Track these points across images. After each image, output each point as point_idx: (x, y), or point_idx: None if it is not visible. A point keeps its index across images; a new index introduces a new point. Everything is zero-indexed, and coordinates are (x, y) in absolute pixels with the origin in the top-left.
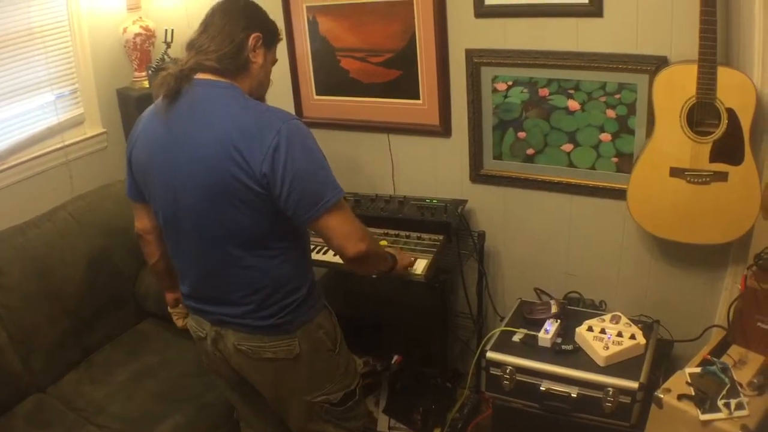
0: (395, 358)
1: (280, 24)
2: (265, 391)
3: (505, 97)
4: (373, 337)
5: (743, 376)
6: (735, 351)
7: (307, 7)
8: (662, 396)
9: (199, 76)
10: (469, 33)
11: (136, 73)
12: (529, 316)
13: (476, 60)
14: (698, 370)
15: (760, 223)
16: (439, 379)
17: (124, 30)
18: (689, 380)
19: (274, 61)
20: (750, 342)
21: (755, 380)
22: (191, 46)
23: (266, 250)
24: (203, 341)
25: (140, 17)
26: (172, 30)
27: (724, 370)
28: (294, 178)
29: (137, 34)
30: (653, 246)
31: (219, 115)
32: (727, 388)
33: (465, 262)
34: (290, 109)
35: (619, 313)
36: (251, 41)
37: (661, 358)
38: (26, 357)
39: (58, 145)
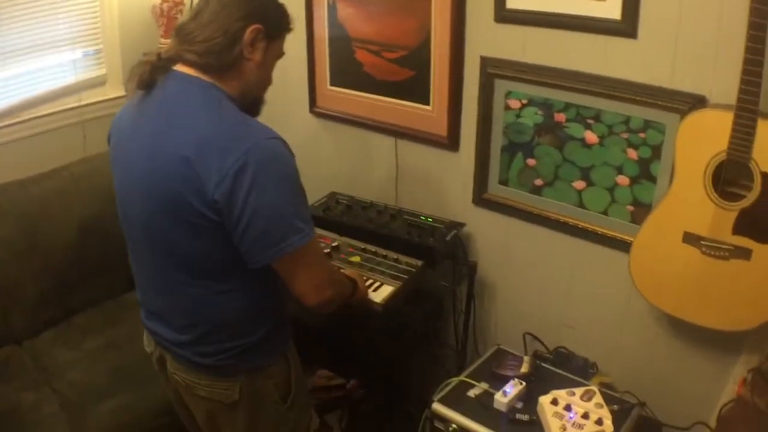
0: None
1: (299, 7)
2: (201, 425)
3: (518, 116)
4: (337, 355)
5: None
6: None
7: None
8: None
9: (179, 68)
10: (487, 38)
11: (162, 39)
12: (495, 370)
13: (490, 70)
14: None
15: None
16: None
17: None
18: None
19: (280, 55)
20: None
21: None
22: (178, 31)
23: (216, 283)
24: (150, 357)
25: None
26: None
27: None
28: (255, 211)
29: (165, 0)
30: (662, 315)
31: (183, 119)
32: None
33: (457, 290)
34: (304, 97)
35: (594, 388)
36: (248, 34)
37: None
38: (7, 309)
39: (75, 104)
